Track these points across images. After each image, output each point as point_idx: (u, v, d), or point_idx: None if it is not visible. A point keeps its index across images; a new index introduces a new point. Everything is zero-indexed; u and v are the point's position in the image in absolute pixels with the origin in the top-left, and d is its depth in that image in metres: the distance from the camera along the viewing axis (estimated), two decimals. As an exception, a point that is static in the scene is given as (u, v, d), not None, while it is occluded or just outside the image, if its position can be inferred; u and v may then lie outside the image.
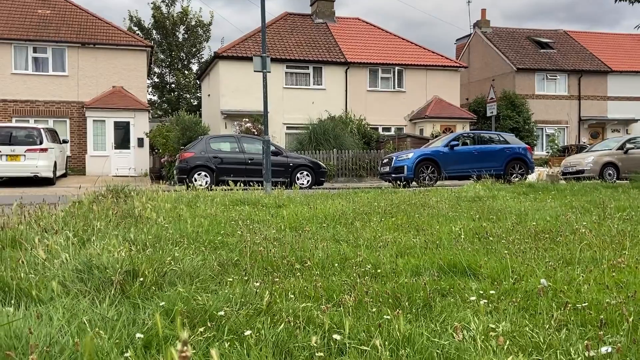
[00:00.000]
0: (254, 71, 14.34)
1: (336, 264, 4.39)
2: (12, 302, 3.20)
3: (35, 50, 25.32)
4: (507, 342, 2.67)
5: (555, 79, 34.90)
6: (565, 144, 33.13)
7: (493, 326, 2.89)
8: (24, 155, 17.61)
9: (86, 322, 2.80)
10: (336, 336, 2.64)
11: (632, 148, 19.03)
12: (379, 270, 4.17)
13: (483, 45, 37.11)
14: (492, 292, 3.52)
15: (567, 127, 35.03)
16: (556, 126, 34.71)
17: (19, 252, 4.26)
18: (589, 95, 35.08)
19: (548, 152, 31.76)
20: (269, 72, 14.26)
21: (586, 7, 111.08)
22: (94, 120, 25.02)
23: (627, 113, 35.28)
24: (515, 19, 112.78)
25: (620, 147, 18.89)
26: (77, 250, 4.27)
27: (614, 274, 3.98)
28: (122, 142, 25.34)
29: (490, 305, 3.28)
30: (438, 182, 17.36)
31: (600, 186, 12.77)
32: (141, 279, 3.56)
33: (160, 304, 3.15)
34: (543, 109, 34.21)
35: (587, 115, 35.01)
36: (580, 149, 27.26)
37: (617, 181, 17.00)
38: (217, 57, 28.26)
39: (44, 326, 2.70)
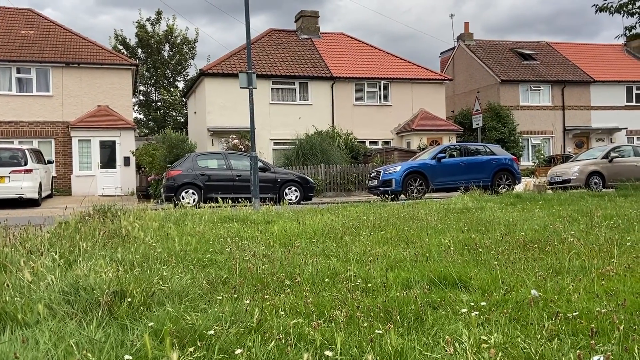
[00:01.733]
0: (240, 87, 14.36)
1: (326, 279, 4.36)
2: (-3, 326, 3.14)
3: (19, 71, 25.20)
4: (499, 354, 2.66)
5: (539, 90, 35.29)
6: (551, 154, 33.43)
7: (485, 338, 2.87)
8: (9, 177, 17.44)
9: (73, 345, 2.75)
10: (328, 352, 2.62)
11: (617, 157, 19.22)
12: (369, 285, 4.15)
13: (467, 58, 37.48)
14: (483, 303, 3.51)
15: (552, 137, 35.36)
16: (541, 136, 35.04)
17: (4, 275, 4.19)
18: (572, 106, 35.49)
19: (534, 163, 32.02)
20: (255, 88, 14.29)
21: (566, 19, 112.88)
22: (79, 140, 24.87)
23: (610, 122, 35.71)
24: (496, 32, 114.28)
25: (605, 156, 19.08)
26: (64, 272, 4.21)
27: (603, 282, 3.99)
28: (108, 161, 25.19)
29: (481, 316, 3.27)
30: (426, 195, 17.41)
31: (586, 195, 12.87)
32: (129, 300, 3.51)
33: (149, 325, 3.11)
34: (528, 120, 34.54)
35: (572, 125, 35.39)
36: (565, 158, 27.51)
37: (603, 190, 17.14)
38: (203, 74, 28.28)
39: (30, 350, 2.65)
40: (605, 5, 18.35)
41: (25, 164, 17.77)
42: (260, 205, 11.96)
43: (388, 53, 33.11)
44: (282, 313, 3.41)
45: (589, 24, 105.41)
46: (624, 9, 18.12)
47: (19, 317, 3.24)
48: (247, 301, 3.57)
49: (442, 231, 6.95)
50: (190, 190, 17.10)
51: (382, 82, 30.55)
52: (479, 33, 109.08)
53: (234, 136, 24.48)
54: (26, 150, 18.40)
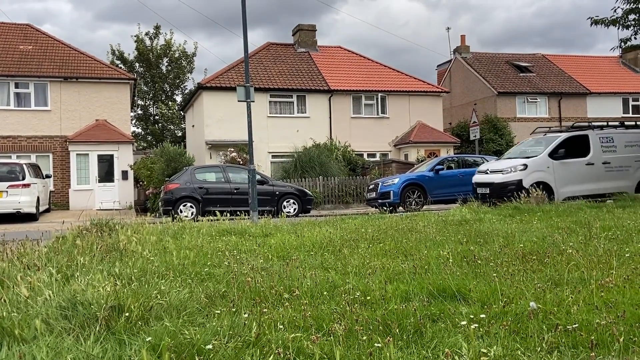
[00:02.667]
0: (238, 101, 14.39)
1: (325, 293, 4.35)
2: (-6, 342, 3.12)
3: (17, 86, 25.24)
4: (500, 367, 2.65)
5: (535, 102, 35.43)
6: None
7: (484, 350, 2.86)
8: (6, 192, 17.41)
9: (70, 361, 2.73)
10: (327, 366, 2.60)
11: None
12: (368, 298, 4.13)
13: (464, 70, 37.65)
14: (482, 316, 3.50)
15: (549, 148, 35.40)
16: (538, 148, 35.07)
17: (1, 291, 4.17)
18: (569, 117, 35.60)
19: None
20: (253, 101, 14.32)
21: (560, 32, 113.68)
22: (77, 154, 24.86)
23: (607, 133, 35.79)
24: (492, 44, 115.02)
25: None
26: (61, 287, 4.19)
27: (602, 294, 3.98)
28: (106, 175, 25.16)
29: (481, 329, 3.26)
30: (424, 207, 17.40)
31: (585, 206, 12.87)
32: (127, 314, 3.49)
33: (147, 339, 3.09)
34: (525, 131, 34.57)
35: (569, 136, 35.46)
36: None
37: (601, 201, 17.14)
38: (201, 87, 28.36)
39: (26, 366, 2.63)
40: (600, 18, 18.49)
41: (23, 179, 17.76)
42: (259, 218, 11.94)
43: (385, 66, 33.25)
44: (281, 327, 3.40)
45: (583, 36, 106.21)
46: (619, 21, 18.26)
47: (16, 333, 3.22)
48: (246, 315, 3.56)
49: (441, 243, 6.94)
50: (189, 204, 17.08)
51: (380, 94, 30.66)
52: (475, 46, 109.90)
53: (232, 149, 24.50)
54: (24, 165, 18.39)
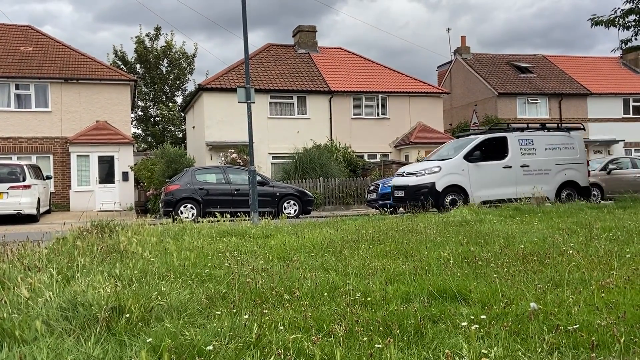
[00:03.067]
0: (238, 102, 14.39)
1: (325, 294, 4.35)
2: (-5, 343, 3.12)
3: (17, 87, 25.25)
4: (500, 368, 2.65)
5: (536, 103, 35.43)
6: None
7: (485, 351, 2.86)
8: (7, 193, 17.42)
9: (71, 362, 2.73)
10: (327, 367, 2.60)
11: (615, 169, 19.26)
12: (368, 299, 4.13)
13: (464, 71, 37.66)
14: (483, 316, 3.50)
15: (550, 149, 35.40)
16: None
17: (2, 292, 4.17)
18: (570, 118, 35.61)
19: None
20: (253, 102, 14.32)
21: (561, 33, 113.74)
22: (77, 156, 24.87)
23: (608, 134, 35.82)
24: (492, 45, 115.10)
25: (604, 168, 19.12)
26: (62, 288, 4.19)
27: (603, 294, 3.98)
28: (107, 176, 25.17)
29: (481, 330, 3.26)
30: (425, 208, 17.37)
31: (585, 207, 12.87)
32: (127, 315, 3.49)
33: (147, 340, 3.09)
34: (525, 132, 34.63)
35: (569, 137, 35.46)
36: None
37: (602, 202, 17.15)
38: (201, 89, 28.37)
39: (27, 367, 2.63)
40: (600, 18, 18.49)
41: (24, 180, 17.76)
42: (259, 220, 11.94)
43: (385, 67, 33.26)
44: (282, 328, 3.40)
45: (583, 37, 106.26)
46: (619, 22, 18.26)
47: (16, 334, 3.22)
48: (246, 316, 3.56)
49: (441, 244, 6.94)
50: (189, 205, 17.09)
51: (380, 95, 30.66)
52: (475, 47, 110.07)
53: (233, 150, 24.51)
54: (24, 166, 18.40)
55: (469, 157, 15.01)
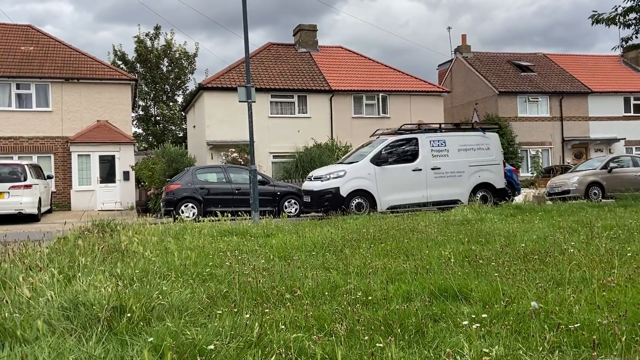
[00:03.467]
0: (239, 101, 14.38)
1: (326, 293, 4.35)
2: (-4, 343, 3.12)
3: (18, 87, 25.25)
4: (502, 367, 2.65)
5: (537, 101, 35.40)
6: (550, 165, 33.45)
7: (486, 350, 2.86)
8: (8, 192, 17.42)
9: (72, 362, 2.74)
10: (329, 367, 2.60)
11: (616, 167, 19.24)
12: (369, 298, 4.13)
13: (465, 70, 37.63)
14: (484, 315, 3.50)
15: (551, 148, 35.42)
16: (540, 147, 35.09)
17: (3, 291, 4.18)
18: (570, 117, 35.59)
19: (533, 174, 32.04)
20: (254, 102, 14.31)
21: (561, 31, 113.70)
22: (78, 155, 24.87)
23: (609, 133, 35.79)
24: (492, 44, 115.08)
25: (604, 167, 19.10)
26: (63, 288, 4.20)
27: (604, 293, 3.98)
28: (108, 176, 25.17)
29: (482, 329, 3.26)
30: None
31: (586, 206, 12.87)
32: (129, 315, 3.50)
33: (149, 340, 3.09)
34: (526, 131, 34.61)
35: (570, 135, 35.47)
36: (564, 169, 27.53)
37: (603, 200, 17.14)
38: (202, 88, 28.37)
39: (28, 367, 2.63)
40: (601, 17, 18.47)
41: (25, 180, 17.77)
42: (260, 219, 11.94)
43: (386, 66, 33.24)
44: (283, 327, 3.40)
45: (584, 35, 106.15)
46: (620, 20, 18.24)
47: (18, 334, 3.23)
48: (247, 315, 3.56)
49: (442, 243, 6.94)
50: (190, 204, 17.09)
51: (381, 94, 30.65)
52: (476, 45, 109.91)
53: (233, 150, 24.50)
54: (25, 166, 18.40)
55: (376, 160, 14.30)
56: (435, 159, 14.87)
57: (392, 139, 14.96)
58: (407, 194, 14.38)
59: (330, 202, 13.54)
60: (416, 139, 14.91)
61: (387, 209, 13.62)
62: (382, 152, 14.49)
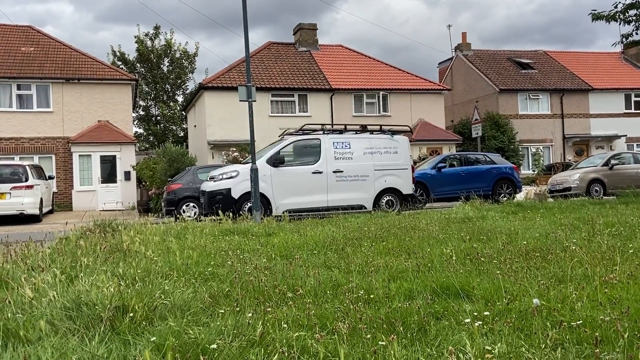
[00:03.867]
0: (240, 101, 14.35)
1: (328, 291, 4.35)
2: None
3: (19, 88, 25.28)
4: (504, 364, 2.65)
5: (537, 99, 35.38)
6: (551, 162, 33.44)
7: (489, 348, 2.86)
8: (10, 193, 17.44)
9: (75, 361, 2.74)
10: (331, 365, 2.60)
11: (617, 164, 19.22)
12: (371, 296, 4.14)
13: (465, 67, 37.61)
14: (486, 313, 3.50)
15: (551, 145, 35.40)
16: (541, 145, 35.07)
17: (5, 292, 4.18)
18: (571, 114, 35.55)
19: (534, 171, 32.03)
20: (255, 101, 14.28)
21: (561, 28, 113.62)
22: (79, 155, 24.89)
23: (609, 130, 35.76)
24: (492, 42, 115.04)
25: (606, 164, 19.08)
26: (65, 288, 4.20)
27: (606, 290, 3.97)
28: (109, 176, 25.20)
29: (485, 326, 3.26)
30: (427, 205, 17.39)
31: (587, 203, 12.86)
32: (131, 315, 3.50)
33: (151, 339, 3.10)
34: (527, 128, 34.60)
35: (571, 133, 35.45)
36: (565, 166, 27.51)
37: (604, 197, 17.12)
38: (202, 87, 28.38)
39: (32, 367, 2.64)
40: (602, 13, 18.46)
41: (26, 180, 17.79)
42: (261, 218, 11.94)
43: (386, 64, 33.23)
44: (285, 326, 3.40)
45: (583, 32, 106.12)
46: (621, 16, 18.22)
47: (21, 334, 3.23)
48: (250, 314, 3.56)
49: (444, 241, 6.94)
50: (191, 204, 17.09)
51: (381, 93, 30.64)
52: (476, 43, 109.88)
53: (234, 149, 24.50)
54: (27, 166, 18.42)
55: (273, 161, 13.59)
56: (338, 161, 14.17)
57: (292, 139, 14.36)
58: (306, 198, 13.71)
59: (222, 204, 12.79)
60: (319, 140, 14.23)
61: (284, 212, 12.89)
62: (280, 153, 13.83)
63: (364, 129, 15.46)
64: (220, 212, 11.37)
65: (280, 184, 13.53)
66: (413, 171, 15.44)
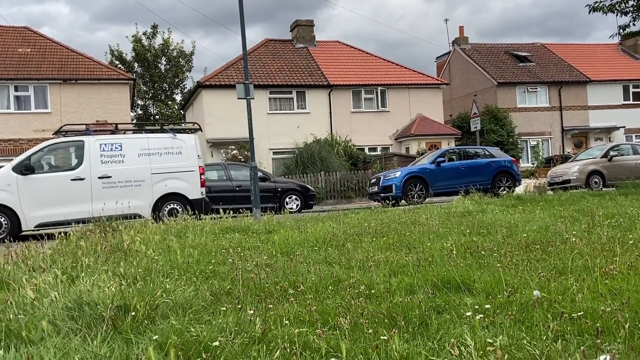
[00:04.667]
0: (238, 98, 14.37)
1: (330, 287, 4.35)
2: (2, 344, 3.14)
3: (16, 89, 25.26)
4: (505, 356, 2.66)
5: (535, 91, 35.37)
6: (550, 155, 33.45)
7: (490, 340, 2.87)
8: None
9: (78, 361, 2.75)
10: (333, 360, 2.61)
11: (616, 155, 19.24)
12: (373, 291, 4.14)
13: (463, 61, 37.58)
14: (487, 306, 3.51)
15: (550, 137, 35.41)
16: (540, 137, 35.08)
17: (7, 293, 4.19)
18: (570, 106, 35.55)
19: (533, 164, 32.04)
20: (253, 98, 14.30)
21: (557, 21, 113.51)
22: (79, 156, 24.87)
23: (608, 121, 35.76)
24: (489, 35, 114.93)
25: (604, 155, 19.09)
26: (67, 288, 4.20)
27: (607, 281, 3.98)
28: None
29: (486, 319, 3.27)
30: (427, 199, 17.40)
31: (587, 195, 12.86)
32: (133, 314, 3.50)
33: (154, 338, 3.10)
34: (526, 121, 34.60)
35: (570, 125, 35.45)
36: (565, 159, 27.52)
37: (604, 189, 17.14)
38: (200, 86, 28.36)
39: (35, 367, 2.64)
40: (598, 5, 18.43)
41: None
42: (262, 215, 11.95)
43: (384, 59, 33.21)
44: (287, 322, 3.41)
45: (580, 25, 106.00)
46: (617, 7, 18.20)
47: (23, 335, 3.24)
48: (251, 311, 3.57)
49: (444, 235, 6.94)
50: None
51: (379, 88, 30.63)
52: (473, 37, 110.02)
53: (233, 147, 24.52)
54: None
55: (21, 168, 11.95)
56: (106, 165, 12.58)
57: (48, 142, 12.78)
58: (64, 209, 12.00)
59: None
60: (82, 142, 12.59)
61: (36, 227, 11.77)
62: (31, 159, 12.22)
63: (140, 128, 14.06)
64: None
65: (30, 195, 11.89)
66: (202, 173, 13.75)
